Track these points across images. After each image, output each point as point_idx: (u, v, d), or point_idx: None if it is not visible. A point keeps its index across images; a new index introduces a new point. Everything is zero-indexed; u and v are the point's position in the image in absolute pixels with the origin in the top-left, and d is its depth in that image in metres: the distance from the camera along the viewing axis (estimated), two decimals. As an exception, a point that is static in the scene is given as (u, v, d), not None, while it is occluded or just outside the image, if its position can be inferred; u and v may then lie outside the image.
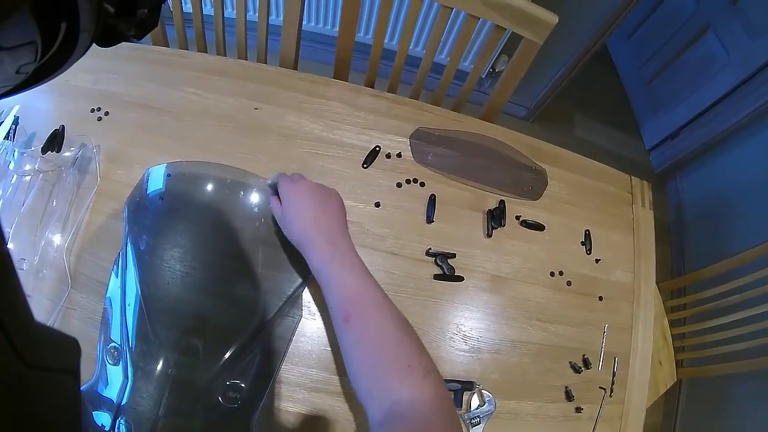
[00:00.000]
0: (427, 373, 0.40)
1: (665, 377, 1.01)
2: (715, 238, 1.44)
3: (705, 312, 1.02)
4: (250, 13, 0.81)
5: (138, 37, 0.25)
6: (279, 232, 0.59)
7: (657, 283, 1.10)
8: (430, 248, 0.63)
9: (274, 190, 0.56)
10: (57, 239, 0.58)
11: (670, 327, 1.07)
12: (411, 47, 1.21)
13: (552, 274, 0.67)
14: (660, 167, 1.76)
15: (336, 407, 0.54)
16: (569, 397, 0.62)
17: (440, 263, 0.62)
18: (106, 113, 0.67)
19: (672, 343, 1.05)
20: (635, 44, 1.88)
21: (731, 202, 1.43)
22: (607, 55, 2.00)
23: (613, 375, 0.65)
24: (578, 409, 0.62)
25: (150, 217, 0.58)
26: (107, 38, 0.23)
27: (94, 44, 0.22)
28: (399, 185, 0.66)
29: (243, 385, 0.52)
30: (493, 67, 1.45)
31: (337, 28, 0.79)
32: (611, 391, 0.65)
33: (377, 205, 0.65)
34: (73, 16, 0.19)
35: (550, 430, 0.60)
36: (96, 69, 0.69)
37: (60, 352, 0.21)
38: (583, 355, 0.65)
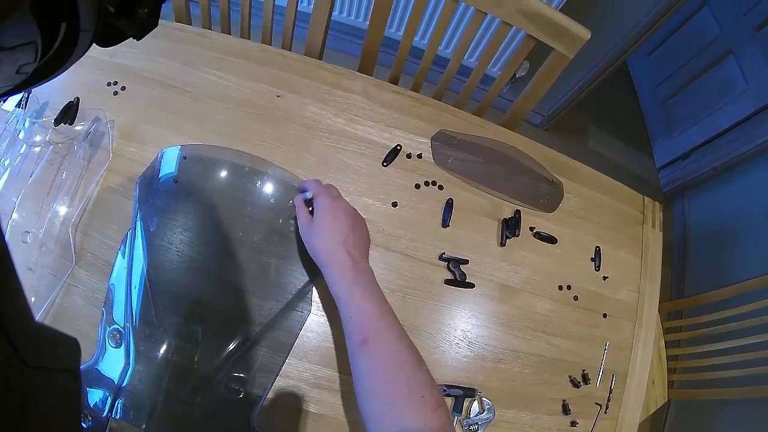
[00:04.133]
0: (438, 405, 0.41)
1: (657, 397, 1.03)
2: (717, 264, 1.45)
3: (700, 336, 1.03)
4: (279, -3, 0.80)
5: (138, 37, 0.25)
6: (294, 225, 0.59)
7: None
8: (443, 253, 0.63)
9: (302, 194, 0.56)
10: (64, 213, 0.57)
11: (665, 348, 1.08)
12: (440, 48, 1.20)
13: (560, 287, 0.68)
14: (668, 187, 1.76)
15: (337, 405, 0.54)
16: (566, 410, 0.63)
17: (453, 269, 0.62)
18: (123, 88, 0.66)
19: (666, 363, 1.06)
20: (655, 61, 1.87)
21: (736, 229, 1.44)
22: (626, 70, 1.99)
23: (610, 392, 0.66)
24: (573, 423, 0.63)
25: (162, 198, 0.58)
26: (107, 38, 0.23)
27: (94, 44, 0.22)
28: (417, 186, 0.66)
29: (246, 377, 0.52)
30: (513, 73, 1.44)
31: (367, 21, 0.78)
32: (606, 407, 0.65)
33: (394, 204, 0.64)
34: (73, 16, 0.19)
35: (546, 443, 0.61)
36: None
37: (60, 352, 0.21)
38: (583, 371, 0.65)
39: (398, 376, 0.43)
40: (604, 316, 0.69)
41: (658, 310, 1.08)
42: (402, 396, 0.41)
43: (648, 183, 1.77)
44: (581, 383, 0.64)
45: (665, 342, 1.08)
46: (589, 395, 0.65)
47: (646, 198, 0.81)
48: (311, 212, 0.54)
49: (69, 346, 0.22)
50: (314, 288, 0.58)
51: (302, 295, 0.57)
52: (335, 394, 0.55)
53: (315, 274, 0.57)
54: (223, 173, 0.61)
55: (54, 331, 0.20)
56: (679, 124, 1.72)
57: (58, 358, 0.20)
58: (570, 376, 0.64)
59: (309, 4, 1.07)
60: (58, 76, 0.23)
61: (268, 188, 0.61)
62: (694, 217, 1.65)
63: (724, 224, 1.50)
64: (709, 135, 1.57)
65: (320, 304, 0.58)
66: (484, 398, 0.59)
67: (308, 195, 0.55)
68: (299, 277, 0.57)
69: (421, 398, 0.41)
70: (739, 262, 1.37)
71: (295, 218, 0.58)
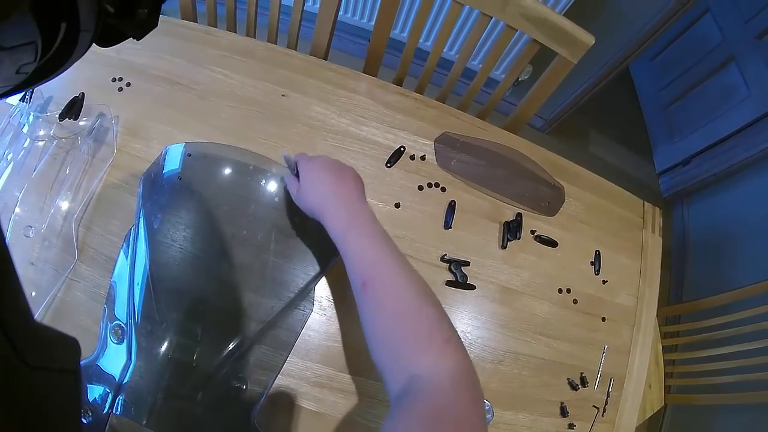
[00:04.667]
0: (446, 341, 0.38)
1: (653, 401, 1.03)
2: (715, 270, 1.46)
3: (698, 342, 1.03)
4: (286, -4, 0.80)
5: (138, 37, 0.25)
6: (297, 223, 0.59)
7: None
8: (445, 254, 0.63)
9: (291, 169, 0.55)
10: (66, 208, 0.58)
11: (662, 352, 1.08)
12: (445, 50, 1.20)
13: (560, 291, 0.68)
14: (668, 192, 1.77)
15: (338, 404, 0.55)
16: (564, 413, 0.63)
17: (454, 270, 0.62)
18: (128, 84, 0.66)
19: (663, 368, 1.07)
20: (657, 66, 1.88)
21: (735, 235, 1.44)
22: (628, 75, 2.00)
23: (608, 395, 0.67)
24: (571, 426, 0.63)
25: (166, 195, 0.58)
26: (107, 38, 0.23)
27: (94, 44, 0.22)
28: (420, 188, 0.67)
29: (247, 375, 0.52)
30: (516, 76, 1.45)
31: (373, 22, 0.78)
32: (604, 411, 0.66)
33: (397, 205, 0.65)
34: (73, 16, 0.19)
35: (543, 445, 0.61)
36: (122, 39, 0.69)
37: (60, 352, 0.21)
38: (581, 373, 0.66)
39: (402, 316, 0.40)
40: (603, 319, 0.70)
41: (656, 315, 1.09)
42: (407, 338, 0.39)
43: (648, 188, 1.77)
44: (579, 386, 0.65)
45: (662, 346, 1.09)
46: (587, 398, 0.65)
47: (646, 203, 0.81)
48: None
49: (69, 346, 0.21)
50: (316, 287, 0.58)
51: (304, 293, 0.57)
52: (336, 392, 0.55)
53: (320, 270, 0.58)
54: (228, 171, 0.61)
55: (54, 331, 0.20)
56: (680, 129, 1.72)
57: (58, 358, 0.20)
58: (568, 379, 0.65)
59: (315, 3, 1.08)
60: (56, 77, 0.23)
61: (272, 187, 0.61)
62: (693, 223, 1.65)
63: (723, 230, 1.50)
64: (709, 141, 1.58)
65: (322, 303, 0.58)
66: (483, 400, 0.59)
67: (291, 164, 0.55)
68: (302, 275, 0.57)
69: (428, 337, 0.38)
70: (738, 268, 1.38)
71: (298, 217, 0.59)
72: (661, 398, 1.04)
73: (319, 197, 0.49)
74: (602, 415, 0.65)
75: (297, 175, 0.54)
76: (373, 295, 0.41)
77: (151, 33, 0.26)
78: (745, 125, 1.46)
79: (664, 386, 1.05)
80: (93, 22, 0.20)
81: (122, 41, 0.24)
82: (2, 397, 0.15)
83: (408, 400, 0.35)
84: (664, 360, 1.08)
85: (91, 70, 0.66)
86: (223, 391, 0.51)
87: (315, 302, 0.58)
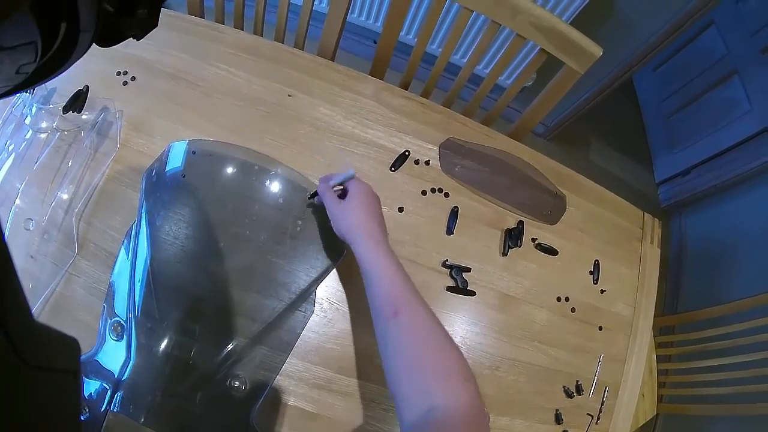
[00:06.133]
0: (465, 379, 0.40)
1: (646, 410, 1.04)
2: (711, 281, 1.47)
3: (691, 352, 1.04)
4: (295, -4, 0.80)
5: (138, 37, 0.25)
6: (303, 225, 0.59)
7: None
8: (447, 260, 0.63)
9: (326, 182, 0.56)
10: (67, 201, 0.57)
11: (656, 362, 1.09)
12: (452, 55, 1.20)
13: (558, 299, 0.68)
14: (667, 202, 1.78)
15: (336, 406, 0.55)
16: (558, 420, 0.64)
17: (455, 276, 0.62)
18: (133, 78, 0.66)
19: (657, 377, 1.07)
20: (660, 77, 1.89)
21: (732, 248, 1.45)
22: (631, 84, 2.01)
23: (602, 404, 0.67)
24: (565, 433, 0.64)
25: (169, 192, 0.58)
26: (107, 38, 0.23)
27: (94, 44, 0.22)
28: (424, 193, 0.67)
29: (246, 375, 0.52)
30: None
31: (380, 24, 0.78)
32: (598, 419, 0.66)
33: (400, 210, 0.65)
34: (73, 16, 0.19)
35: (536, 451, 0.62)
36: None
37: (60, 352, 0.21)
38: (577, 381, 0.66)
39: (429, 348, 0.42)
40: (600, 328, 0.70)
41: (652, 325, 1.10)
42: (432, 370, 0.41)
43: (647, 198, 1.78)
44: (575, 394, 0.65)
45: (656, 356, 1.10)
46: (582, 406, 0.66)
47: (646, 214, 0.82)
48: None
49: (69, 346, 0.21)
50: (317, 289, 0.59)
51: (306, 295, 0.57)
52: (334, 394, 0.55)
53: (322, 271, 0.58)
54: (232, 170, 0.61)
55: (54, 331, 0.20)
56: (681, 140, 1.73)
57: (58, 358, 0.20)
58: (564, 387, 0.65)
59: (323, 3, 1.07)
60: (56, 77, 0.23)
61: (277, 188, 0.61)
62: (690, 234, 1.66)
63: (721, 242, 1.51)
64: (710, 153, 1.59)
65: (323, 305, 0.58)
66: (479, 405, 0.60)
67: (351, 172, 0.55)
68: (304, 277, 0.57)
69: (448, 371, 0.40)
70: (734, 280, 1.39)
71: (302, 219, 0.59)
72: (653, 407, 1.05)
73: (367, 219, 0.51)
74: (596, 423, 0.66)
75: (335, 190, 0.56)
76: (403, 324, 0.43)
77: (160, 26, 0.26)
78: (746, 138, 1.47)
79: (657, 395, 1.06)
80: (93, 22, 0.20)
81: (122, 41, 0.24)
82: (2, 397, 0.15)
83: (424, 429, 0.37)
84: (657, 369, 1.08)
85: (96, 63, 0.65)
86: (222, 390, 0.51)
87: (316, 304, 0.58)
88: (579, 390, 0.66)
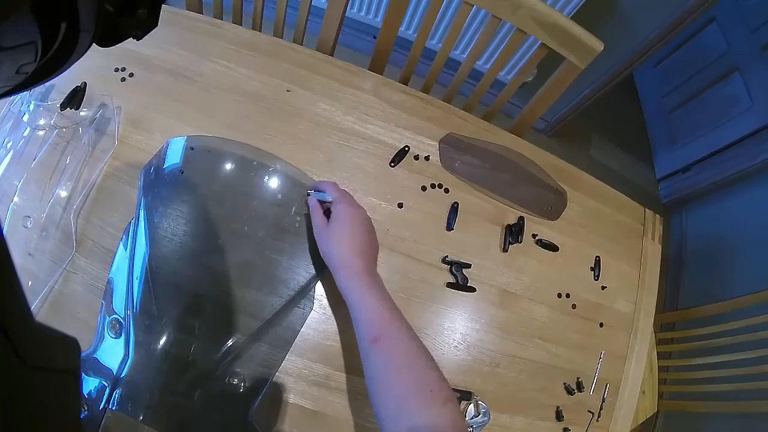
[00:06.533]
0: (447, 400, 0.42)
1: (646, 407, 1.04)
2: (712, 278, 1.47)
3: (692, 349, 1.04)
4: (293, -10, 0.79)
5: (138, 37, 0.25)
6: (301, 221, 0.59)
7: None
8: (447, 256, 0.63)
9: (316, 193, 0.56)
10: (66, 199, 0.57)
11: (657, 359, 1.09)
12: (452, 50, 1.19)
13: (559, 295, 0.68)
14: (667, 198, 1.77)
15: (335, 403, 0.55)
16: (559, 417, 0.63)
17: (455, 272, 0.62)
18: (131, 74, 0.65)
19: (657, 374, 1.07)
20: (661, 73, 1.88)
21: (732, 244, 1.45)
22: (631, 80, 2.00)
23: (603, 401, 0.67)
24: (566, 430, 0.63)
25: (167, 189, 0.57)
26: (107, 38, 0.23)
27: (94, 45, 0.22)
28: (424, 189, 0.66)
29: (245, 372, 0.52)
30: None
31: (380, 19, 0.78)
32: (598, 416, 0.66)
33: (400, 206, 0.65)
34: (73, 16, 0.19)
35: (537, 448, 0.61)
36: (126, 27, 0.67)
37: (60, 352, 0.21)
38: (578, 378, 0.66)
39: (409, 372, 0.44)
40: (601, 325, 0.70)
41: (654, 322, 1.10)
42: (412, 392, 0.42)
43: (647, 194, 1.78)
44: (575, 390, 0.65)
45: (657, 353, 1.10)
46: (583, 403, 0.65)
47: (647, 210, 0.81)
48: (325, 214, 0.55)
49: (69, 346, 0.21)
50: (317, 285, 0.58)
51: (305, 292, 0.57)
52: (333, 391, 0.55)
53: (320, 270, 0.57)
54: (230, 166, 0.61)
55: (54, 331, 0.20)
56: (682, 137, 1.73)
57: (58, 359, 0.20)
58: (565, 383, 0.65)
59: None
60: (56, 77, 0.23)
61: (275, 184, 0.61)
62: (691, 230, 1.66)
63: (721, 239, 1.51)
64: (710, 149, 1.59)
65: (322, 302, 0.58)
66: (480, 401, 0.59)
67: (327, 197, 0.55)
68: (303, 273, 0.57)
69: (431, 393, 0.42)
70: (734, 277, 1.38)
71: (304, 215, 0.58)
72: (654, 404, 1.05)
73: (346, 252, 0.51)
74: (597, 420, 0.66)
75: (321, 203, 0.56)
76: (384, 350, 0.45)
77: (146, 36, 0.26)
78: (747, 135, 1.46)
79: (658, 392, 1.06)
80: (93, 22, 0.20)
81: (122, 41, 0.24)
82: (2, 397, 0.15)
83: None
84: (658, 366, 1.08)
85: (93, 60, 0.65)
86: (221, 388, 0.51)
87: (315, 301, 0.58)
88: (580, 387, 0.66)
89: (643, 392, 1.04)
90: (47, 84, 0.63)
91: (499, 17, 0.72)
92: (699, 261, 1.58)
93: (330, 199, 0.55)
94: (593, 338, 0.69)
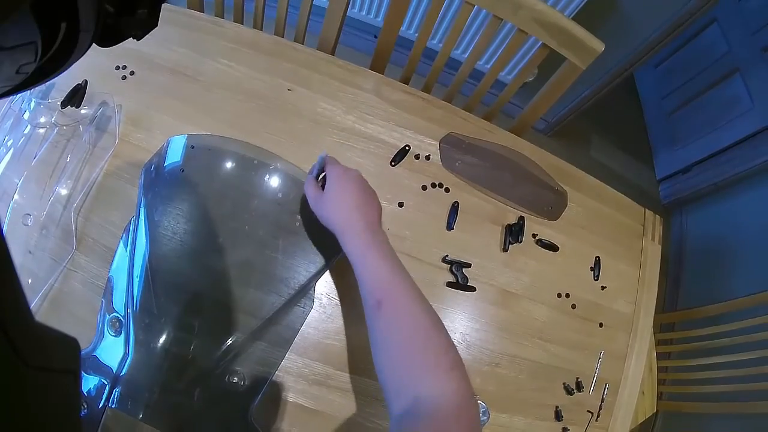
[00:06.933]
0: (452, 367, 0.40)
1: (645, 407, 1.04)
2: (712, 279, 1.47)
3: (691, 350, 1.04)
4: (294, -10, 0.79)
5: (138, 37, 0.25)
6: (302, 220, 0.59)
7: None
8: (447, 255, 0.63)
9: (316, 171, 0.55)
10: (66, 197, 0.57)
11: (656, 359, 1.09)
12: (453, 50, 1.20)
13: (559, 295, 0.68)
14: (667, 199, 1.77)
15: (335, 402, 0.55)
16: (558, 417, 0.63)
17: (455, 271, 0.62)
18: (132, 73, 0.65)
19: (656, 375, 1.08)
20: (662, 74, 1.88)
21: (732, 245, 1.45)
22: (632, 81, 2.00)
23: (602, 401, 0.67)
24: (565, 430, 0.63)
25: (167, 187, 0.57)
26: (107, 38, 0.23)
27: (94, 44, 0.22)
28: (424, 188, 0.66)
29: (245, 371, 0.52)
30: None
31: (381, 19, 0.78)
32: (598, 415, 0.66)
33: (400, 205, 0.65)
34: (73, 16, 0.19)
35: (536, 448, 0.61)
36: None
37: (60, 352, 0.21)
38: (577, 378, 0.66)
39: (413, 339, 0.42)
40: (600, 325, 0.70)
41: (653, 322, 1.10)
42: (417, 360, 0.40)
43: (648, 195, 1.78)
44: (575, 390, 0.65)
45: (656, 353, 1.10)
46: (582, 403, 0.65)
47: (647, 211, 0.81)
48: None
49: (69, 346, 0.21)
50: (316, 285, 0.58)
51: (305, 290, 0.57)
52: (333, 390, 0.55)
53: (321, 267, 0.57)
54: (231, 165, 0.61)
55: (54, 331, 0.20)
56: (682, 138, 1.73)
57: (58, 358, 0.20)
58: (564, 383, 0.65)
59: None
60: (56, 77, 0.23)
61: (276, 182, 0.61)
62: (691, 231, 1.66)
63: (721, 240, 1.51)
64: (711, 150, 1.59)
65: (322, 301, 0.58)
66: (479, 401, 0.59)
67: (315, 171, 0.54)
68: (303, 272, 0.57)
69: (435, 360, 0.40)
70: (733, 278, 1.39)
71: (301, 214, 0.58)
72: (653, 405, 1.05)
73: (344, 211, 0.49)
74: (596, 420, 0.66)
75: (319, 181, 0.54)
76: (387, 315, 0.43)
77: (160, 20, 0.25)
78: (747, 136, 1.46)
79: (657, 393, 1.06)
80: (93, 22, 0.20)
81: (122, 41, 0.24)
82: (2, 397, 0.15)
83: (410, 421, 0.37)
84: (657, 367, 1.08)
85: (94, 58, 0.64)
86: (221, 386, 0.51)
87: (315, 299, 0.58)
88: (579, 387, 0.66)
89: (642, 392, 1.05)
90: (48, 82, 0.63)
91: (500, 17, 0.72)
92: (699, 262, 1.58)
93: (316, 172, 0.53)
94: (593, 338, 0.69)
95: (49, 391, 0.18)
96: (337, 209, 0.49)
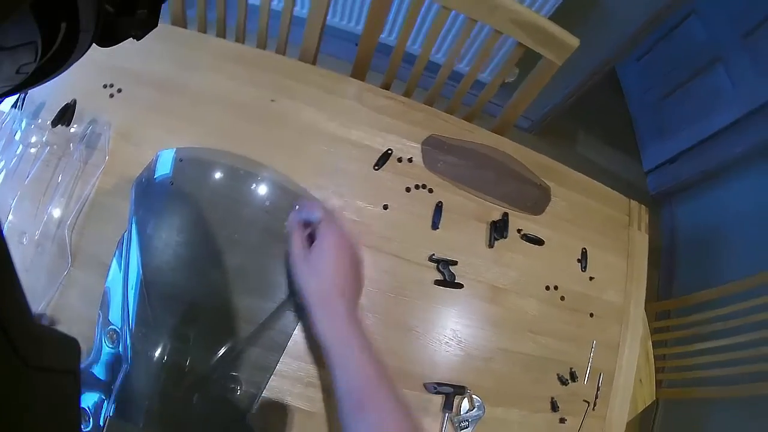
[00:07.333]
0: None
1: (644, 396, 1.05)
2: (704, 266, 1.48)
3: (687, 336, 1.05)
4: (275, 2, 0.81)
5: (138, 37, 0.25)
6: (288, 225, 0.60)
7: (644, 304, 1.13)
8: (433, 254, 0.64)
9: (300, 212, 0.51)
10: (60, 215, 0.58)
11: (653, 348, 1.10)
12: (432, 53, 1.22)
13: (547, 288, 0.69)
14: (656, 190, 1.79)
15: (331, 404, 0.55)
16: (554, 408, 0.64)
17: (442, 269, 0.63)
18: (119, 90, 0.66)
19: (654, 363, 1.08)
20: (643, 67, 1.91)
21: (723, 232, 1.47)
22: (614, 75, 2.03)
23: (597, 390, 0.68)
24: (562, 420, 0.64)
25: (158, 200, 0.59)
26: (107, 38, 0.23)
27: (94, 44, 0.23)
28: (408, 190, 0.68)
29: (241, 376, 0.53)
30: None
31: (361, 26, 0.80)
32: (594, 405, 0.67)
33: (385, 207, 0.66)
34: (73, 16, 0.19)
35: (534, 440, 0.62)
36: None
37: (60, 353, 0.21)
38: (571, 368, 0.67)
39: None
40: (591, 315, 0.71)
41: (646, 311, 1.11)
42: None
43: (636, 187, 1.80)
44: (569, 381, 0.66)
45: (653, 342, 1.11)
46: (577, 393, 0.66)
47: (632, 201, 0.83)
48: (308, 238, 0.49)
49: (69, 347, 0.22)
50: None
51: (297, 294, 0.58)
52: (330, 393, 0.56)
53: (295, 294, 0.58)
54: (219, 176, 0.62)
55: (54, 332, 0.21)
56: (667, 128, 1.75)
57: (58, 359, 0.20)
58: (558, 374, 0.66)
59: (304, 8, 1.07)
60: (56, 77, 0.23)
61: (264, 191, 0.62)
62: (681, 221, 1.68)
63: (711, 227, 1.53)
64: (696, 139, 1.61)
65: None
66: (474, 396, 0.60)
67: (313, 218, 0.49)
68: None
69: None
70: (726, 264, 1.40)
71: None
72: (652, 393, 1.06)
73: (329, 283, 0.43)
74: (593, 409, 0.66)
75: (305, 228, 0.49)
76: (370, 419, 0.39)
77: (142, 38, 0.26)
78: (732, 123, 1.48)
79: (655, 381, 1.07)
80: (93, 22, 0.20)
81: (123, 41, 0.24)
82: (2, 397, 0.16)
83: None
84: (654, 355, 1.09)
85: (82, 77, 0.66)
86: (218, 392, 0.52)
87: None
88: (573, 377, 0.66)
89: (640, 381, 1.05)
90: (38, 102, 0.64)
91: (475, 19, 0.74)
92: (691, 250, 1.59)
93: (315, 221, 0.49)
94: (584, 329, 0.70)
95: (49, 391, 0.19)
96: (319, 282, 0.44)
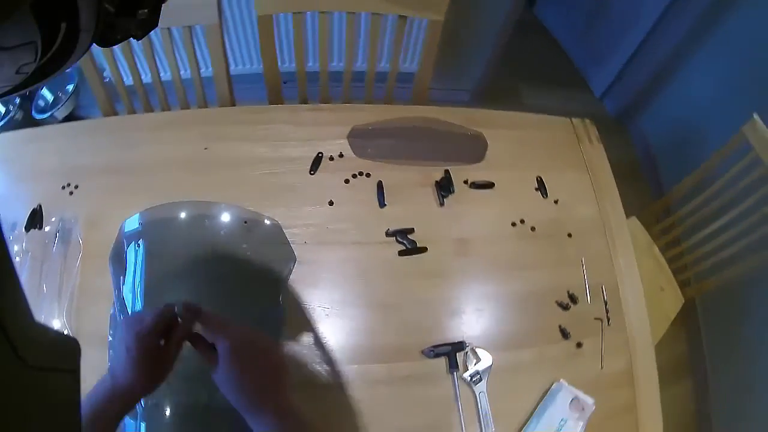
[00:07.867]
0: None
1: (671, 302, 1.01)
2: (686, 161, 1.46)
3: (695, 224, 1.00)
4: (183, 71, 0.87)
5: (138, 37, 0.25)
6: (248, 248, 0.63)
7: (637, 214, 1.11)
8: (388, 229, 0.65)
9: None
10: (55, 307, 0.61)
11: (664, 251, 1.07)
12: (332, 64, 1.27)
13: (513, 224, 0.69)
14: (615, 111, 1.80)
15: (328, 400, 0.56)
16: (565, 335, 0.63)
17: (401, 240, 0.64)
18: (76, 186, 0.69)
19: (669, 266, 1.05)
20: (560, 3, 1.96)
21: (694, 122, 1.46)
22: (537, 22, 2.08)
23: (605, 303, 0.66)
24: (579, 345, 0.62)
25: (133, 265, 0.63)
26: (107, 38, 0.23)
27: (93, 45, 0.23)
28: (347, 181, 0.70)
29: None
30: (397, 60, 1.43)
31: (261, 65, 0.85)
32: (608, 320, 0.65)
33: (330, 203, 0.68)
34: (73, 16, 0.19)
35: (557, 372, 0.60)
36: (61, 149, 0.72)
37: (60, 352, 0.21)
38: (568, 291, 0.66)
39: None
40: (569, 236, 0.70)
41: (644, 220, 1.09)
42: None
43: (597, 115, 1.79)
44: (570, 304, 0.65)
45: (665, 245, 1.07)
46: (585, 314, 0.65)
47: (573, 119, 0.84)
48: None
49: (69, 347, 0.21)
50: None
51: (275, 302, 0.61)
52: (327, 390, 0.56)
53: (283, 277, 0.63)
54: (179, 224, 0.66)
55: (54, 331, 0.21)
56: (603, 49, 1.77)
57: (58, 358, 0.20)
58: (557, 301, 0.65)
59: (207, 68, 1.12)
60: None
61: (219, 224, 0.66)
62: (649, 128, 1.67)
63: (682, 122, 1.52)
64: (632, 49, 1.63)
65: (308, 307, 0.61)
66: (476, 348, 0.59)
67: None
68: (269, 288, 0.62)
69: None
70: (704, 151, 1.38)
71: (245, 242, 0.62)
72: (678, 296, 1.02)
73: (247, 392, 0.42)
74: (609, 325, 0.65)
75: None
76: None
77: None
78: (659, 19, 1.50)
79: (679, 282, 1.03)
80: (93, 22, 0.20)
81: (123, 41, 0.25)
82: (2, 397, 0.16)
83: None
84: (668, 257, 1.06)
85: (41, 185, 0.69)
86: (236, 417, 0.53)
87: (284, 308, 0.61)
88: (574, 300, 0.65)
89: (661, 288, 1.02)
90: (10, 221, 0.67)
91: (352, 11, 0.79)
92: (667, 152, 1.58)
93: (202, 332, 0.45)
94: (567, 250, 0.69)
95: (49, 391, 0.19)
96: (238, 393, 0.42)
